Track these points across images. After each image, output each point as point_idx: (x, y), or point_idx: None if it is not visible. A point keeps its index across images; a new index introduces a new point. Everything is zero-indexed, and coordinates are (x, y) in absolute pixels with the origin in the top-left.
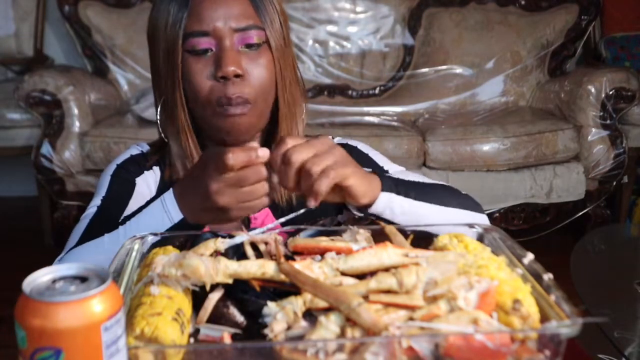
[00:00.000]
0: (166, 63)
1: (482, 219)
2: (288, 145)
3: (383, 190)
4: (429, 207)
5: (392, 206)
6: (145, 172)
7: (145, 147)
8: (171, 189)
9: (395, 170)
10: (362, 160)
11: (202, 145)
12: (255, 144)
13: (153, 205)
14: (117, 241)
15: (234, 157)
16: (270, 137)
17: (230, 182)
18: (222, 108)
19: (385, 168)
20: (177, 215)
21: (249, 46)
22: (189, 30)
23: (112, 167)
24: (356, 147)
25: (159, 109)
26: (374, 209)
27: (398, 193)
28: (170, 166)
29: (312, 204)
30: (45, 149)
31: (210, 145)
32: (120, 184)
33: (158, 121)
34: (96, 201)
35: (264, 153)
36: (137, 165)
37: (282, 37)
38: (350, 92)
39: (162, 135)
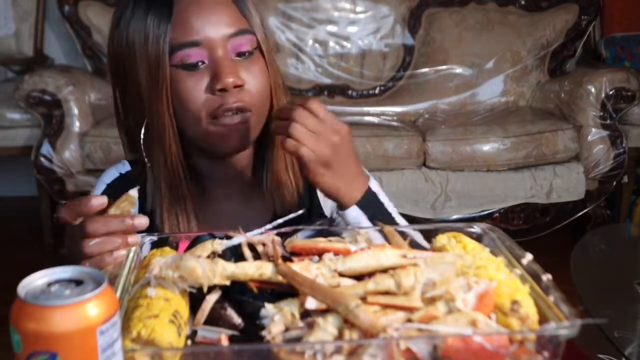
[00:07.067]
0: (151, 81)
1: None
2: (311, 105)
3: (359, 206)
4: None
5: (359, 224)
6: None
7: (126, 168)
8: None
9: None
10: None
11: (189, 166)
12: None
13: None
14: None
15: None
16: (262, 143)
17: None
18: (220, 119)
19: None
20: None
21: (240, 54)
22: (176, 43)
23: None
24: None
25: (142, 133)
26: (342, 214)
27: (370, 219)
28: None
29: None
30: (45, 149)
31: (200, 162)
32: None
33: (142, 146)
34: None
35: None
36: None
37: (268, 41)
38: (350, 92)
39: (146, 160)
